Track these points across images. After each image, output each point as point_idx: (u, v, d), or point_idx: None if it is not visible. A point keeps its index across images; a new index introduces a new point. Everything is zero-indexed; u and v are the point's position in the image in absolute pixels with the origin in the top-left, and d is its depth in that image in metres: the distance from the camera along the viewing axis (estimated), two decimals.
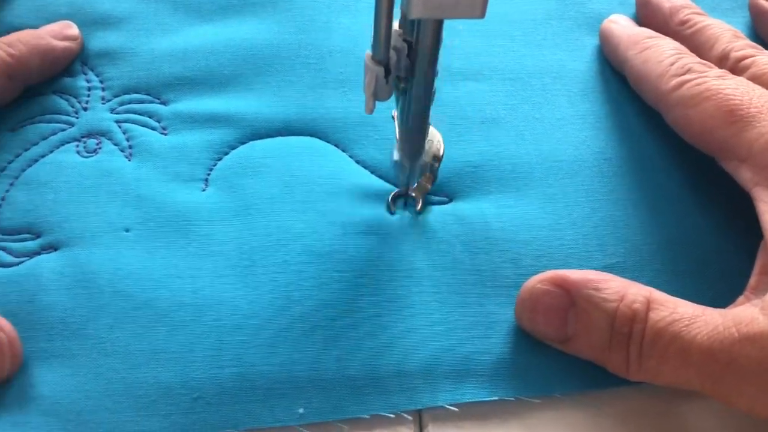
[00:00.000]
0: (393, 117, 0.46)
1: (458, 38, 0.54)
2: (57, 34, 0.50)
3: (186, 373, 0.42)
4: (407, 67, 0.38)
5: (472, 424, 0.42)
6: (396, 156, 0.45)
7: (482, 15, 0.32)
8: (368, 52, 0.38)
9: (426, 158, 0.44)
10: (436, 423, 0.42)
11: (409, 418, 0.41)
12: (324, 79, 0.51)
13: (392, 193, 0.46)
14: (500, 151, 0.49)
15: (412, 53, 0.37)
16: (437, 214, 0.47)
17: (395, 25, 0.37)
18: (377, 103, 0.41)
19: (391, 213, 0.46)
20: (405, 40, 0.38)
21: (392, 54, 0.38)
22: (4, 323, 0.39)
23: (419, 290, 0.44)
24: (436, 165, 0.44)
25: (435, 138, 0.44)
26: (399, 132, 0.42)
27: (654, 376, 0.39)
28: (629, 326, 0.38)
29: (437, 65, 0.38)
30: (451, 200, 0.47)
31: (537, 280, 0.42)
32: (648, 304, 0.38)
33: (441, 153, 0.44)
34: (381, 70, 0.38)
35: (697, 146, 0.45)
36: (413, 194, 0.45)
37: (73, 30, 0.51)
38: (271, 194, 0.47)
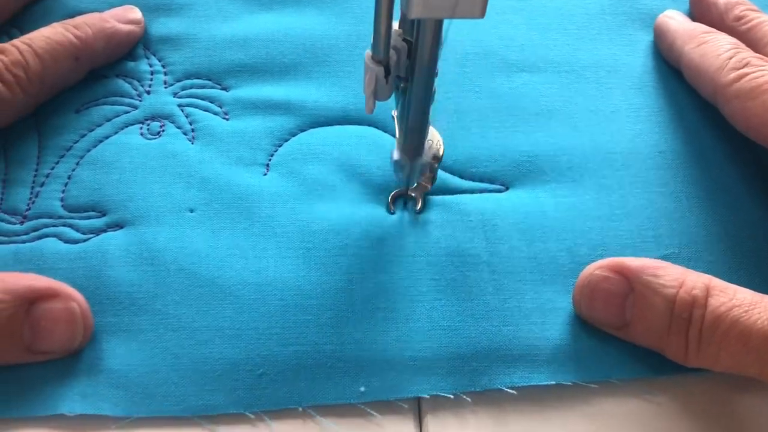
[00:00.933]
0: (393, 117, 0.46)
1: (515, 30, 0.54)
2: (121, 17, 0.50)
3: (251, 350, 0.42)
4: (407, 67, 0.38)
5: (473, 413, 0.43)
6: (396, 156, 0.46)
7: (482, 15, 0.32)
8: (368, 51, 0.38)
9: (426, 158, 0.44)
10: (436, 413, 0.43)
11: (405, 406, 0.43)
12: None
13: (392, 194, 0.47)
14: (556, 142, 0.50)
15: (412, 53, 0.37)
16: (493, 202, 0.47)
17: (395, 24, 0.37)
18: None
19: (391, 213, 0.46)
20: (405, 40, 0.38)
21: (392, 54, 0.38)
22: (77, 294, 0.40)
23: (476, 276, 0.44)
24: (436, 165, 0.45)
25: (435, 138, 0.45)
26: (399, 132, 0.43)
27: (713, 362, 0.39)
28: (689, 311, 0.39)
29: (437, 65, 0.38)
30: (507, 188, 0.48)
31: (596, 267, 0.42)
32: (707, 290, 0.39)
33: (441, 153, 0.45)
34: (381, 69, 0.38)
35: (754, 138, 0.46)
36: (413, 194, 0.46)
37: (137, 14, 0.52)
38: (331, 181, 0.48)
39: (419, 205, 0.46)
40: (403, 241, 0.45)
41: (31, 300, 0.39)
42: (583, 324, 0.44)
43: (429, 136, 0.44)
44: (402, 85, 0.41)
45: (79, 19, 0.48)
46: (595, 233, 0.47)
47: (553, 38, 0.54)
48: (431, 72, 0.38)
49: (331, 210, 0.46)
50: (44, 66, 0.44)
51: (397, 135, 0.43)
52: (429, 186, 0.46)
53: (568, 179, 0.48)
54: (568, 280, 0.45)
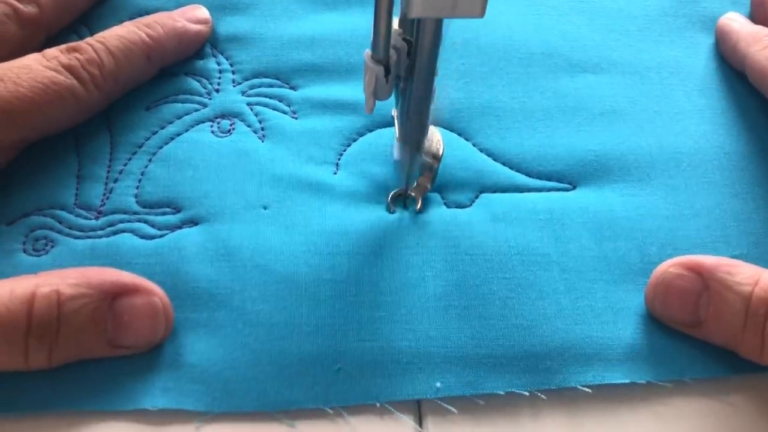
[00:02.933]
0: (393, 116, 0.47)
1: (578, 31, 0.54)
2: (191, 17, 0.51)
3: (327, 346, 0.43)
4: (407, 67, 0.38)
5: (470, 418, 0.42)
6: (396, 155, 0.46)
7: (482, 14, 0.32)
8: (368, 51, 0.39)
9: (426, 158, 0.44)
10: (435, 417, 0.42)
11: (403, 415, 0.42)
12: (446, 70, 0.52)
13: (391, 193, 0.47)
14: (621, 142, 0.50)
15: (411, 52, 0.38)
16: (562, 200, 0.48)
17: (395, 24, 0.38)
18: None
19: (391, 212, 0.47)
20: (405, 40, 0.38)
21: (392, 53, 0.38)
22: (158, 290, 0.41)
23: (547, 276, 0.45)
24: (436, 165, 0.45)
25: (434, 137, 0.45)
26: (398, 131, 0.43)
27: None
28: (764, 309, 0.39)
29: (437, 64, 0.38)
30: (574, 187, 0.49)
31: (670, 264, 0.43)
32: None
33: (440, 153, 0.45)
34: (381, 69, 0.39)
35: None
36: (412, 194, 0.46)
37: (205, 13, 0.52)
38: (399, 181, 0.47)
39: (419, 205, 0.46)
40: (475, 240, 0.46)
41: (115, 295, 0.40)
42: (655, 322, 0.44)
43: (429, 136, 0.44)
44: (402, 84, 0.42)
45: (150, 19, 0.49)
46: (664, 232, 0.47)
47: (615, 39, 0.55)
48: (431, 71, 0.38)
49: (401, 212, 0.46)
50: (118, 64, 0.45)
51: (397, 133, 0.44)
52: (429, 186, 0.46)
53: (635, 179, 0.48)
54: (639, 279, 0.45)
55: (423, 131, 0.43)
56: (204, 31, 0.51)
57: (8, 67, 0.43)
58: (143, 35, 0.47)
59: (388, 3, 0.35)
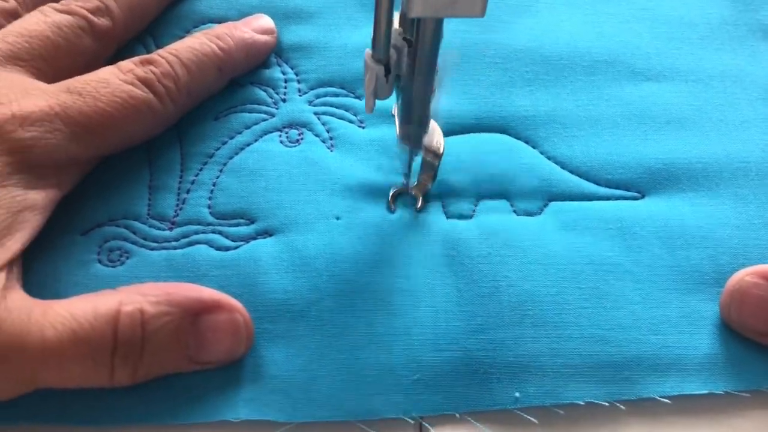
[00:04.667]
0: (393, 114, 0.47)
1: (640, 39, 0.54)
2: (257, 27, 0.51)
3: (405, 355, 0.43)
4: (407, 66, 0.38)
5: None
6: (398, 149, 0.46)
7: (482, 14, 0.33)
8: (368, 50, 0.39)
9: (427, 156, 0.45)
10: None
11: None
12: (511, 78, 0.52)
13: (392, 192, 0.47)
14: (689, 150, 0.50)
15: (411, 52, 0.38)
16: (631, 209, 0.48)
17: (395, 23, 0.38)
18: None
19: (392, 212, 0.47)
20: (405, 39, 0.38)
21: (392, 52, 0.38)
22: (239, 306, 0.41)
23: (621, 285, 0.45)
24: (436, 163, 0.45)
25: (435, 135, 0.45)
26: (399, 128, 0.44)
27: None
28: None
29: (437, 64, 0.38)
30: (643, 196, 0.49)
31: (746, 273, 0.43)
32: None
33: (441, 151, 0.45)
34: (381, 68, 0.39)
35: None
36: (413, 192, 0.46)
37: (270, 23, 0.52)
38: (470, 190, 0.48)
39: (419, 204, 0.47)
40: (546, 249, 0.46)
41: (197, 312, 0.40)
42: (731, 332, 0.44)
43: (430, 134, 0.44)
44: (402, 83, 0.42)
45: (220, 30, 0.49)
46: (736, 242, 0.47)
47: (677, 47, 0.55)
48: (431, 70, 0.39)
49: (472, 222, 0.46)
50: (192, 77, 0.45)
51: (397, 130, 0.44)
52: (429, 184, 0.46)
53: (704, 188, 0.48)
54: (713, 289, 0.45)
55: (424, 129, 0.43)
56: (271, 41, 0.51)
57: (86, 81, 0.43)
58: (214, 47, 0.47)
59: (388, 2, 0.36)
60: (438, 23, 0.36)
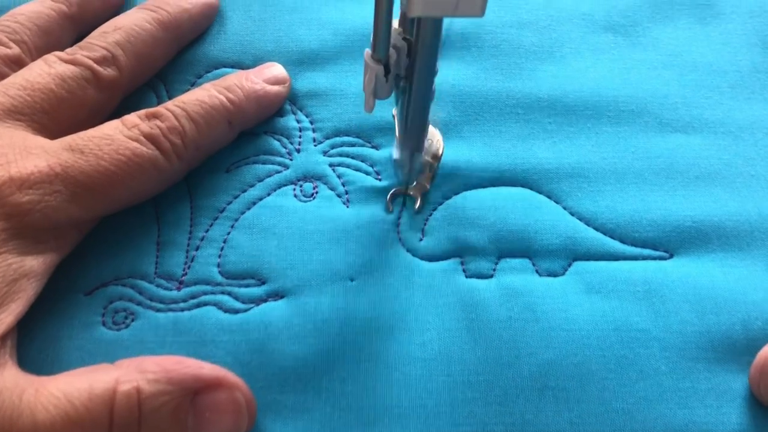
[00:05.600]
0: (393, 116, 0.46)
1: (668, 88, 0.52)
2: (269, 78, 0.49)
3: (420, 430, 0.41)
4: (407, 66, 0.38)
5: None
6: (396, 155, 0.46)
7: (482, 14, 0.32)
8: (368, 50, 0.38)
9: (426, 157, 0.45)
10: None
11: None
12: (533, 129, 0.50)
13: (390, 192, 0.46)
14: (719, 207, 0.48)
15: (411, 52, 0.38)
16: (660, 270, 0.46)
17: (395, 23, 0.38)
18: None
19: (389, 212, 0.46)
20: (405, 39, 0.38)
21: (392, 52, 0.38)
22: (241, 383, 0.39)
23: (647, 354, 0.43)
24: (436, 164, 0.45)
25: (435, 137, 0.45)
26: (399, 130, 0.43)
27: None
28: None
29: (436, 64, 0.38)
30: (671, 256, 0.47)
31: None
32: None
33: (440, 152, 0.45)
34: (381, 68, 0.38)
35: None
36: (412, 193, 0.46)
37: (283, 73, 0.51)
38: (490, 248, 0.46)
39: (418, 204, 0.46)
40: (570, 313, 0.44)
41: (196, 390, 0.38)
42: (760, 407, 0.42)
43: (429, 135, 0.44)
44: (402, 83, 0.41)
45: (229, 81, 0.46)
46: None
47: (706, 96, 0.52)
48: (431, 70, 0.38)
49: (492, 281, 0.44)
50: (199, 131, 0.43)
51: (397, 133, 0.44)
52: (428, 185, 0.46)
53: (735, 248, 0.46)
54: (743, 358, 0.44)
55: (423, 131, 0.43)
56: (283, 92, 0.50)
57: (89, 137, 0.41)
58: (224, 99, 0.45)
59: (388, 2, 0.35)
60: (438, 23, 0.36)
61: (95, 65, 0.45)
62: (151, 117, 0.44)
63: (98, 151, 0.41)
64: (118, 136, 0.42)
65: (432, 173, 0.46)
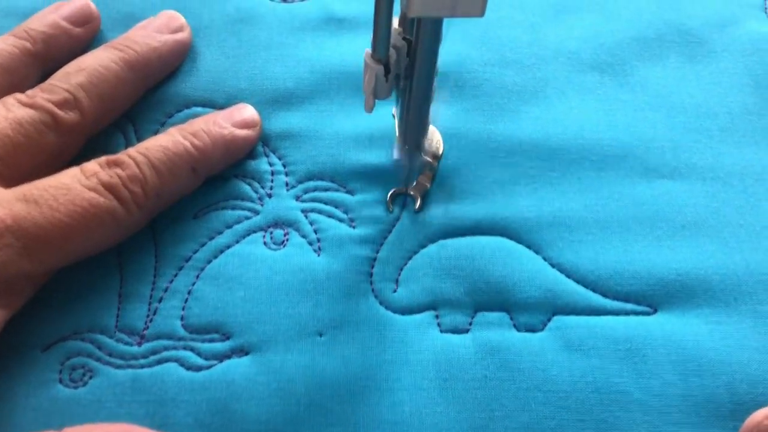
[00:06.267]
0: (393, 115, 0.45)
1: (654, 130, 0.51)
2: (238, 121, 0.47)
3: None
4: (407, 66, 0.38)
5: None
6: (396, 154, 0.45)
7: (482, 14, 0.32)
8: (368, 50, 0.38)
9: (426, 157, 0.44)
10: None
11: None
12: (514, 174, 0.48)
13: (390, 192, 0.46)
14: (705, 259, 0.46)
15: (411, 52, 0.38)
16: (642, 327, 0.45)
17: (395, 23, 0.38)
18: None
19: (390, 212, 0.45)
20: (405, 39, 0.38)
21: (392, 52, 0.38)
22: None
23: (628, 418, 0.41)
24: (435, 164, 0.45)
25: (434, 137, 0.45)
26: (399, 129, 0.43)
27: None
28: None
29: (437, 63, 0.38)
30: (655, 311, 0.45)
31: (764, 416, 0.38)
32: None
33: (440, 152, 0.45)
34: (381, 68, 0.38)
35: None
36: (412, 193, 0.45)
37: (254, 115, 0.49)
38: (466, 300, 0.44)
39: (418, 204, 0.46)
40: (548, 373, 0.42)
41: None
42: None
43: (429, 135, 0.44)
44: (402, 83, 0.40)
45: (196, 125, 0.44)
46: (755, 366, 0.43)
47: (694, 140, 0.50)
48: (431, 70, 0.39)
49: (466, 336, 0.42)
50: (161, 180, 0.41)
51: (397, 132, 0.44)
52: (428, 185, 0.46)
53: (721, 303, 0.44)
54: (728, 423, 0.42)
55: (423, 130, 0.43)
56: (252, 136, 0.48)
57: (44, 187, 0.39)
58: (189, 146, 0.43)
59: (388, 2, 0.35)
60: (437, 23, 0.36)
61: (55, 109, 0.43)
62: (111, 165, 0.42)
63: (53, 201, 0.39)
64: (75, 186, 0.40)
65: (432, 173, 0.46)
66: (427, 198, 0.49)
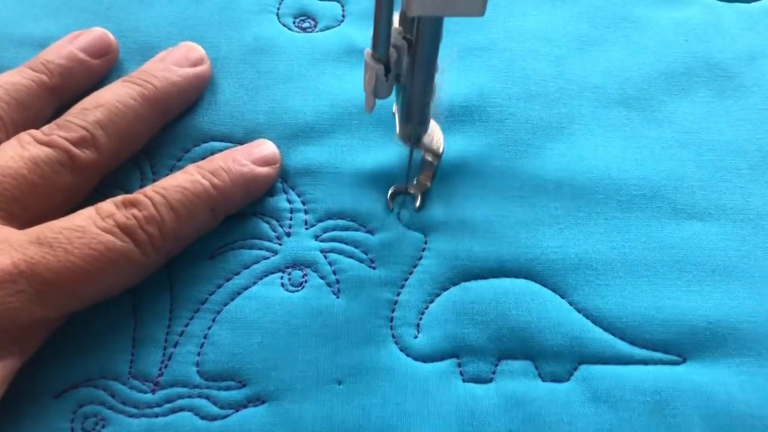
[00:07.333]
0: (394, 113, 0.45)
1: (683, 169, 0.50)
2: (258, 158, 0.46)
3: None
4: (407, 65, 0.38)
5: None
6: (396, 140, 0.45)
7: (482, 13, 0.32)
8: (368, 49, 0.38)
9: (426, 155, 0.45)
10: None
11: None
12: (538, 215, 0.46)
13: (391, 190, 0.46)
14: (736, 306, 0.44)
15: (411, 51, 0.38)
16: (671, 378, 0.43)
17: (395, 22, 0.37)
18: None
19: (390, 210, 0.45)
20: (405, 38, 0.38)
21: (392, 52, 0.38)
22: None
23: None
24: (436, 162, 0.45)
25: (435, 135, 0.45)
26: (399, 128, 0.44)
27: None
28: None
29: (437, 62, 0.38)
30: (684, 360, 0.43)
31: None
32: None
33: (441, 150, 0.45)
34: (381, 68, 0.38)
35: None
36: (412, 191, 0.45)
37: (274, 151, 0.47)
38: (489, 348, 0.44)
39: (418, 203, 0.45)
40: (574, 426, 0.41)
41: None
42: None
43: (430, 133, 0.44)
44: (402, 82, 0.40)
45: (215, 164, 0.43)
46: None
47: (724, 179, 0.49)
48: (431, 69, 0.39)
49: (491, 387, 0.40)
50: (179, 221, 0.41)
51: (397, 129, 0.44)
52: (429, 183, 0.45)
53: (753, 353, 0.43)
54: None
55: (423, 128, 0.43)
56: (272, 173, 0.46)
57: (59, 229, 0.38)
58: (208, 185, 0.42)
59: (388, 1, 0.35)
60: (438, 22, 0.36)
61: (72, 147, 0.42)
62: (128, 205, 0.41)
63: (68, 245, 0.38)
64: (90, 228, 0.39)
65: (432, 171, 0.45)
66: (428, 197, 0.48)
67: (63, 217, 0.41)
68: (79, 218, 0.40)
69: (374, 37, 0.37)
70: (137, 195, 0.42)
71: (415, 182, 0.45)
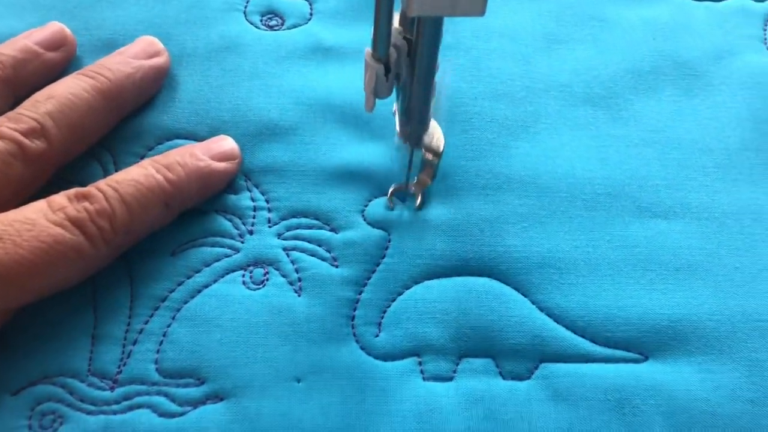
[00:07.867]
0: (393, 112, 0.45)
1: (648, 168, 0.50)
2: (216, 153, 0.45)
3: None
4: (408, 65, 0.38)
5: None
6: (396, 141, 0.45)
7: (482, 13, 0.32)
8: (368, 49, 0.38)
9: (426, 154, 0.44)
10: None
11: None
12: (503, 212, 0.46)
13: (391, 188, 0.46)
14: (699, 305, 0.44)
15: (412, 51, 0.38)
16: (632, 376, 0.43)
17: (395, 22, 0.37)
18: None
19: (390, 209, 0.45)
20: (405, 38, 0.38)
21: (392, 51, 0.38)
22: None
23: None
24: (436, 161, 0.45)
25: (435, 133, 0.45)
26: (399, 127, 0.44)
27: None
28: None
29: (437, 62, 0.38)
30: (646, 358, 0.43)
31: None
32: None
33: (441, 149, 0.45)
34: (381, 67, 0.38)
35: None
36: (413, 190, 0.45)
37: (233, 148, 0.47)
38: (451, 346, 0.44)
39: (418, 201, 0.45)
40: (533, 424, 0.41)
41: None
42: None
43: (430, 132, 0.44)
44: (402, 81, 0.40)
45: (171, 158, 0.43)
46: (747, 419, 0.42)
47: (690, 177, 0.48)
48: (431, 69, 0.39)
49: (449, 386, 0.41)
50: (131, 215, 0.40)
51: (397, 128, 0.44)
52: (429, 181, 0.45)
53: (714, 350, 0.43)
54: None
55: (423, 127, 0.43)
56: (231, 169, 0.45)
57: (9, 221, 0.37)
58: (162, 179, 0.41)
59: (388, 1, 0.35)
60: (438, 22, 0.36)
61: (22, 138, 0.42)
62: (80, 198, 0.41)
63: (17, 237, 0.38)
64: (40, 221, 0.39)
65: (433, 169, 0.45)
66: (428, 195, 0.48)
67: (14, 209, 0.40)
68: (30, 210, 0.40)
69: (374, 37, 0.37)
70: (90, 188, 0.42)
71: (415, 181, 0.45)
